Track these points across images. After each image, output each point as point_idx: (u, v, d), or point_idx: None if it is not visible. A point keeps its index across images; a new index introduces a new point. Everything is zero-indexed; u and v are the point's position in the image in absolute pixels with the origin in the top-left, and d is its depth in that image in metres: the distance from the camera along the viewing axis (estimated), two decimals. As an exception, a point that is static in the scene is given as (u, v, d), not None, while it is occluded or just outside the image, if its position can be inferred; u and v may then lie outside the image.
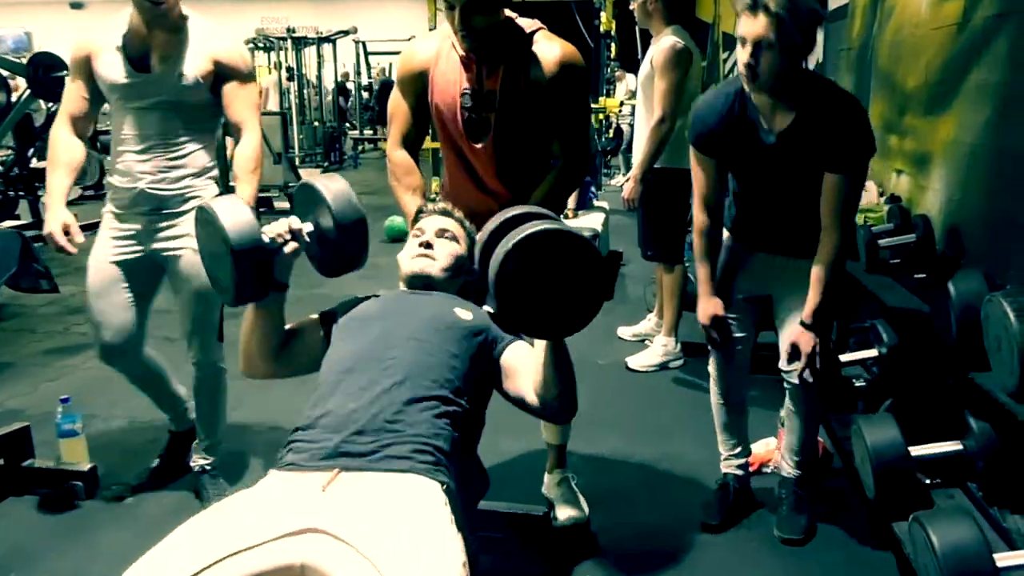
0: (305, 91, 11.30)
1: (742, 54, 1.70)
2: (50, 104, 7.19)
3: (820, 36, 1.99)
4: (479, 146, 1.85)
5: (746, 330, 2.16)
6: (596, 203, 5.33)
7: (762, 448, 2.52)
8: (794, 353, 1.93)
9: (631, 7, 3.43)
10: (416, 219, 1.76)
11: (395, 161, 1.98)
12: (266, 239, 1.43)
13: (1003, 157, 2.10)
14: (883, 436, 1.77)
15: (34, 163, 6.72)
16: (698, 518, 2.22)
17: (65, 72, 6.34)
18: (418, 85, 1.90)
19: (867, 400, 2.17)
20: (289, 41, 10.74)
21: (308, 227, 1.49)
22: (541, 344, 1.41)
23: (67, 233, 2.09)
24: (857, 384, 2.40)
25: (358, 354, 1.45)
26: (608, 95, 8.51)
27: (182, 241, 2.14)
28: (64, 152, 2.12)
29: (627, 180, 3.34)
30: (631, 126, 6.56)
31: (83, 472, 2.37)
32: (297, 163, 10.47)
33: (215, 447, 2.41)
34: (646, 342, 3.69)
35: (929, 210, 2.55)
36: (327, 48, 11.61)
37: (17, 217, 6.36)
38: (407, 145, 1.98)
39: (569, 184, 1.97)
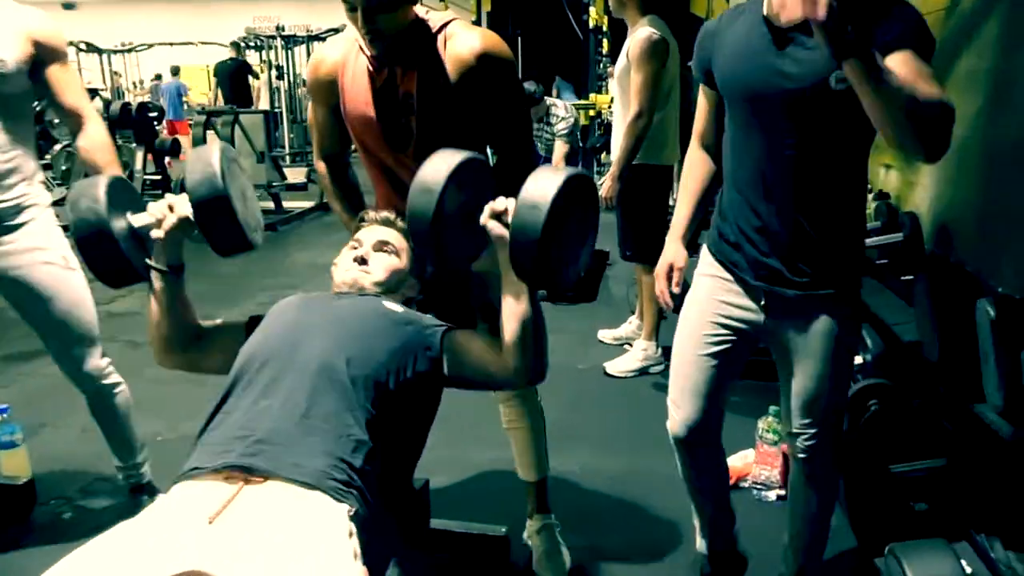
0: (297, 90, 11.17)
1: None
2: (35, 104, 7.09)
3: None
4: (402, 155, 1.69)
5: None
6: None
7: (739, 461, 2.38)
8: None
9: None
10: (357, 227, 1.61)
11: (319, 172, 1.88)
12: (137, 223, 1.37)
13: (995, 149, 1.96)
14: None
15: None
16: (664, 542, 2.08)
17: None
18: (328, 94, 1.73)
19: (853, 409, 2.03)
20: (279, 40, 10.61)
21: (183, 210, 1.36)
22: (519, 300, 1.32)
23: None
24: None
25: (268, 344, 1.33)
26: (600, 91, 8.39)
27: (27, 256, 1.89)
28: None
29: (605, 178, 3.21)
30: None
31: (18, 486, 2.24)
32: (287, 162, 10.37)
33: (139, 468, 2.21)
34: (625, 346, 3.56)
35: (918, 207, 2.41)
36: (318, 46, 11.49)
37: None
38: (328, 157, 1.85)
39: (509, 185, 1.80)
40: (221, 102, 9.70)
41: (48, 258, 1.91)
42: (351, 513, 1.10)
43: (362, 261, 1.49)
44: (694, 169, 1.69)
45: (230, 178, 1.35)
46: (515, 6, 10.68)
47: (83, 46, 11.39)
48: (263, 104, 10.31)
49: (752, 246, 1.49)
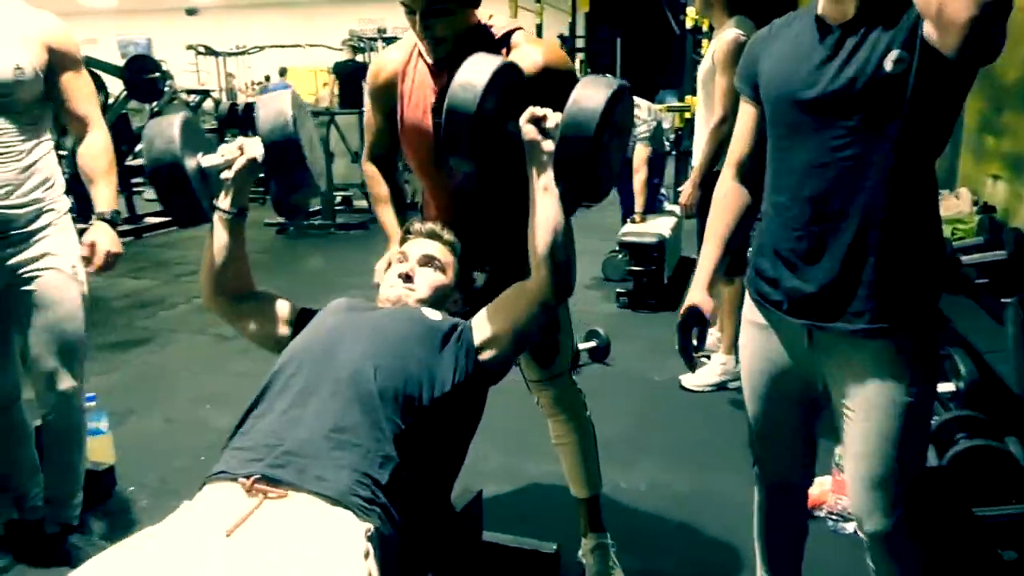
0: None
1: None
2: (152, 105, 7.55)
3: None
4: (453, 164, 1.67)
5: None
6: (667, 207, 5.06)
7: (815, 488, 2.23)
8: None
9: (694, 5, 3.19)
10: (403, 240, 1.60)
11: (366, 174, 1.87)
12: (206, 163, 1.41)
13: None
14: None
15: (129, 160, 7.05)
16: (725, 570, 1.98)
17: (158, 74, 6.65)
18: (386, 100, 1.72)
19: (937, 444, 1.88)
20: (380, 41, 10.87)
21: (253, 152, 1.41)
22: (552, 207, 1.34)
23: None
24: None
25: (306, 349, 1.33)
26: (696, 93, 8.16)
27: (43, 262, 1.88)
28: None
29: (686, 184, 3.10)
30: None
31: (99, 472, 2.36)
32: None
33: (74, 508, 2.05)
34: (702, 359, 3.43)
35: (1027, 222, 2.21)
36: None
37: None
38: (377, 158, 1.84)
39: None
40: (336, 101, 10.01)
41: (58, 264, 1.91)
42: (369, 533, 1.08)
43: (407, 278, 1.48)
44: (727, 202, 1.48)
45: (300, 124, 1.39)
46: (613, 7, 10.58)
47: (202, 49, 12.01)
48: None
49: (794, 276, 1.31)
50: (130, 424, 2.90)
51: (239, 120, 8.25)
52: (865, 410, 1.27)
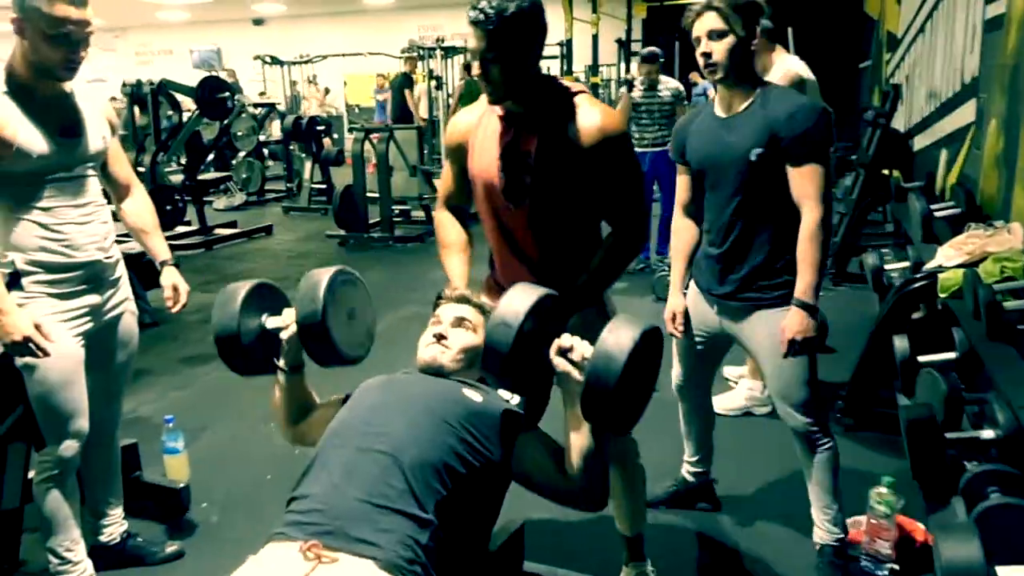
0: (451, 100, 11.58)
1: (700, 49, 1.97)
2: (221, 121, 7.90)
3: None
4: (517, 209, 1.80)
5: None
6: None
7: (851, 528, 2.29)
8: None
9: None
10: (435, 305, 1.73)
11: (436, 220, 2.02)
12: (269, 325, 1.61)
13: None
14: (962, 554, 1.53)
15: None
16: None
17: (228, 93, 6.96)
18: (459, 155, 1.89)
19: (969, 493, 1.90)
20: (439, 51, 11.06)
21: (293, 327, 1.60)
22: (582, 432, 1.41)
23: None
24: (968, 468, 2.10)
25: (350, 423, 1.46)
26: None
27: (122, 306, 2.11)
28: None
29: None
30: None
31: (176, 490, 2.56)
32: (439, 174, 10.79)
33: (122, 517, 2.30)
34: (730, 383, 3.48)
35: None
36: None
37: (188, 223, 7.00)
38: (450, 206, 1.99)
39: (624, 256, 1.85)
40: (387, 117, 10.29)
41: (131, 307, 2.16)
42: None
43: (441, 337, 1.61)
44: (682, 234, 2.26)
45: (336, 302, 1.56)
46: (671, 13, 10.55)
47: (268, 59, 12.43)
48: (422, 112, 10.79)
49: (712, 274, 2.13)
50: (203, 440, 3.11)
51: (303, 134, 8.55)
52: (755, 350, 2.15)
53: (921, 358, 2.71)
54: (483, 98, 1.84)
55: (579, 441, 1.42)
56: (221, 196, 8.98)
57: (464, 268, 1.92)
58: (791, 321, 1.94)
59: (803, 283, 1.94)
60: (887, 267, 4.30)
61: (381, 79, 13.26)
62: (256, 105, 9.74)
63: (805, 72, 3.04)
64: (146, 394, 3.60)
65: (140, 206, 2.19)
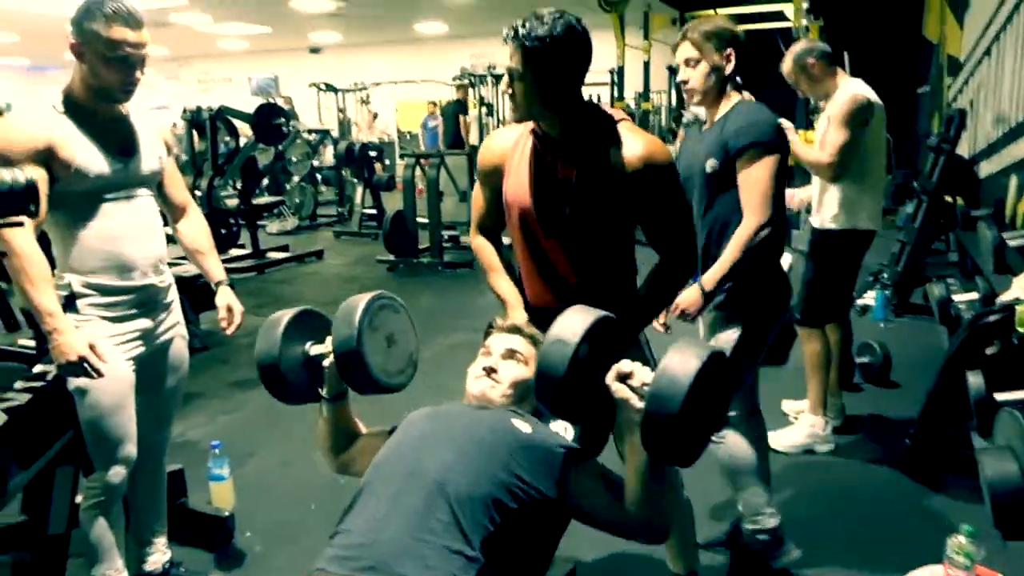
0: (502, 126, 11.65)
1: (679, 76, 2.15)
2: (276, 147, 8.06)
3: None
4: (553, 238, 1.74)
5: None
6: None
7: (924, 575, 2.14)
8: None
9: (788, 81, 3.14)
10: (486, 334, 1.68)
11: (474, 246, 1.97)
12: (312, 352, 1.59)
13: None
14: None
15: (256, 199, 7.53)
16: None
17: (283, 120, 7.09)
18: (494, 177, 1.83)
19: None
20: (490, 78, 11.14)
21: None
22: (642, 461, 1.32)
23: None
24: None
25: (394, 456, 1.41)
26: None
27: (174, 330, 2.11)
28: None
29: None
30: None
31: (221, 518, 2.53)
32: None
33: (166, 545, 2.27)
34: (792, 418, 3.34)
35: None
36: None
37: (242, 246, 7.11)
38: (484, 230, 1.95)
39: (674, 284, 1.81)
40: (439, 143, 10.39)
41: (183, 332, 2.16)
42: None
43: (491, 371, 1.55)
44: None
45: (373, 329, 1.52)
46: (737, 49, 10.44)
47: (323, 86, 12.69)
48: (473, 138, 10.87)
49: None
50: (250, 466, 3.10)
51: (355, 160, 8.66)
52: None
53: (998, 396, 2.55)
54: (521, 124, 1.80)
55: (638, 472, 1.33)
56: (274, 220, 9.14)
57: (516, 289, 1.87)
58: (686, 294, 2.04)
59: (712, 272, 2.05)
60: (955, 298, 4.12)
61: (432, 106, 13.42)
62: (310, 131, 9.92)
63: (872, 96, 2.94)
64: (195, 418, 3.62)
65: (196, 227, 2.20)
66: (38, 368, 2.05)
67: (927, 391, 2.95)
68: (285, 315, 1.60)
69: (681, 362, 1.21)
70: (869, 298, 4.99)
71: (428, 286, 6.40)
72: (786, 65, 3.11)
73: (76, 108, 1.85)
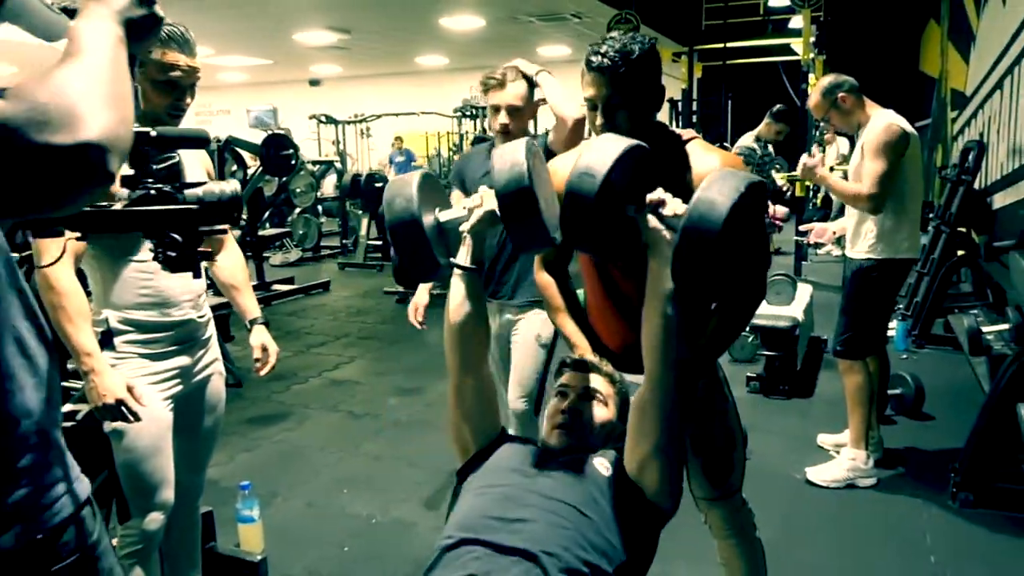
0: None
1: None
2: (281, 178, 8.01)
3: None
4: (626, 264, 1.67)
5: None
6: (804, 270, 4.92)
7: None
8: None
9: (815, 117, 3.14)
10: (559, 372, 1.59)
11: (540, 283, 1.88)
12: (444, 218, 1.42)
13: None
14: None
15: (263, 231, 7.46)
16: None
17: (292, 151, 7.05)
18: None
19: None
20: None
21: (491, 204, 1.36)
22: (666, 303, 1.27)
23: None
24: None
25: (484, 514, 1.31)
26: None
27: (212, 367, 2.01)
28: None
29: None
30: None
31: (252, 563, 2.43)
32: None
33: None
34: (833, 452, 3.26)
35: None
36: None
37: (246, 279, 7.02)
38: (549, 266, 1.86)
39: (746, 311, 1.72)
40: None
41: (220, 369, 2.06)
42: None
43: (572, 414, 1.46)
44: None
45: (535, 175, 1.34)
46: (727, 73, 10.57)
47: (323, 118, 12.70)
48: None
49: None
50: (275, 507, 2.99)
51: (360, 192, 8.62)
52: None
53: (1051, 431, 2.50)
54: (582, 145, 1.75)
55: (658, 309, 1.27)
56: (277, 252, 9.06)
57: (579, 331, 1.79)
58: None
59: None
60: (984, 329, 4.07)
61: (399, 141, 13.41)
62: (315, 163, 9.90)
63: (907, 125, 2.92)
64: (215, 456, 3.48)
65: (234, 261, 2.12)
66: (67, 407, 1.97)
67: (968, 424, 2.89)
68: (412, 175, 1.41)
69: (723, 184, 1.15)
70: (890, 329, 4.95)
71: (439, 318, 6.30)
72: (813, 100, 3.09)
73: None
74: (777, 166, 5.57)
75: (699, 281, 1.17)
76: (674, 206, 1.24)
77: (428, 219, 1.40)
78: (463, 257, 1.42)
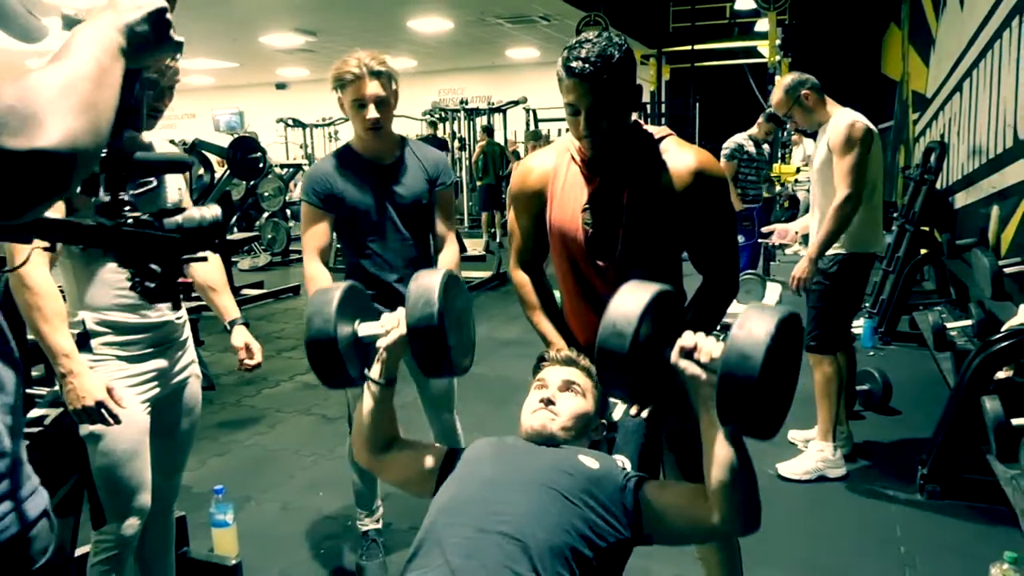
0: (470, 161, 11.67)
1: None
2: (249, 182, 7.91)
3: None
4: (603, 264, 1.68)
5: None
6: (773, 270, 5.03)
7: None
8: None
9: (779, 113, 3.19)
10: (537, 368, 1.60)
11: (516, 282, 1.87)
12: (363, 332, 1.46)
13: None
14: None
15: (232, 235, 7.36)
16: None
17: (260, 154, 6.98)
18: (534, 204, 1.76)
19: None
20: (462, 112, 11.19)
21: (401, 329, 1.42)
22: (722, 441, 1.23)
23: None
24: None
25: (464, 502, 1.32)
26: (783, 160, 8.08)
27: (188, 369, 1.98)
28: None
29: (801, 261, 3.05)
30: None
31: (228, 567, 2.39)
32: (467, 229, 10.79)
33: None
34: (800, 445, 3.32)
35: None
36: (498, 117, 11.98)
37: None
38: (525, 265, 1.85)
39: (720, 307, 1.73)
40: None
41: (197, 371, 2.03)
42: None
43: (549, 402, 1.47)
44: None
45: (449, 307, 1.39)
46: (695, 75, 10.71)
47: (290, 121, 12.60)
48: (445, 173, 10.89)
49: None
50: (249, 511, 2.95)
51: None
52: None
53: (1015, 421, 2.56)
54: (557, 143, 1.75)
55: (719, 450, 1.23)
56: (246, 257, 8.95)
57: (555, 328, 1.80)
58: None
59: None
60: (948, 325, 4.17)
61: None
62: (283, 166, 9.81)
63: (868, 122, 2.98)
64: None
65: (210, 263, 2.06)
66: (35, 412, 1.93)
67: (934, 417, 2.96)
68: (335, 289, 1.45)
69: (752, 330, 1.13)
70: (856, 327, 5.04)
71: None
72: (776, 97, 3.15)
73: None
74: (768, 177, 5.77)
75: (747, 416, 1.17)
76: (707, 350, 1.23)
77: (347, 330, 1.46)
78: (376, 372, 1.47)
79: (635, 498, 1.32)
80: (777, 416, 1.20)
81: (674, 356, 1.24)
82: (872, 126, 3.01)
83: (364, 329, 1.48)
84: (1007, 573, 1.99)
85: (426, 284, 1.39)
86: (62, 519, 1.93)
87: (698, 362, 1.22)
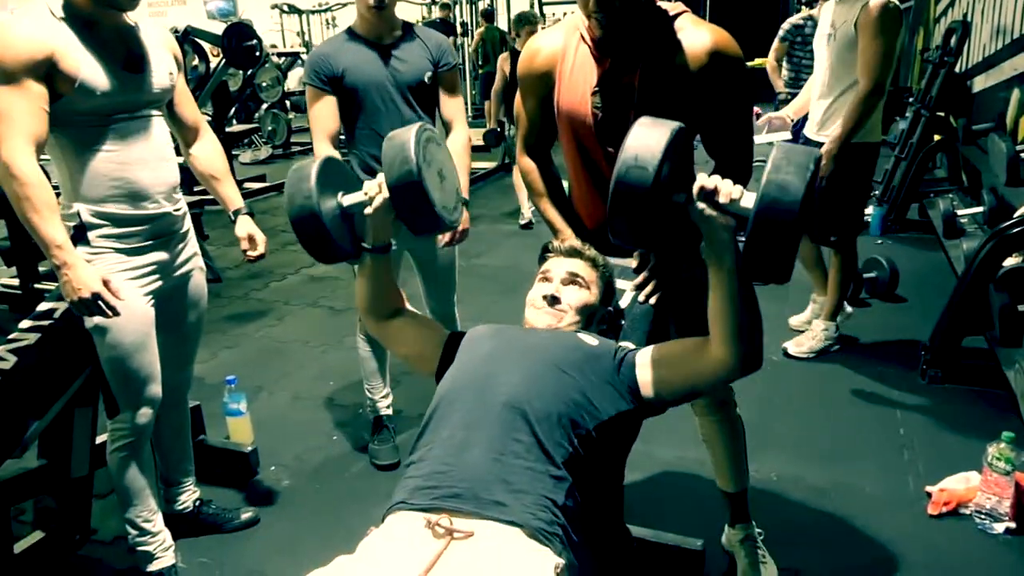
0: (468, 48, 11.29)
1: None
2: (246, 72, 7.68)
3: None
4: (613, 151, 1.59)
5: None
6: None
7: (960, 484, 2.17)
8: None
9: None
10: (542, 258, 1.58)
11: (523, 168, 1.82)
12: (347, 203, 1.46)
13: None
14: None
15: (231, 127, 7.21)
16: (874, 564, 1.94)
17: (256, 42, 6.73)
18: (541, 86, 1.68)
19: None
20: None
21: (385, 193, 1.41)
22: (732, 281, 1.21)
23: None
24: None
25: (462, 379, 1.34)
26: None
27: (192, 262, 1.97)
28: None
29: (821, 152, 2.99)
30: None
31: (243, 453, 2.47)
32: (471, 119, 10.55)
33: (195, 485, 2.22)
34: (805, 326, 3.42)
35: None
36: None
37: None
38: (532, 150, 1.79)
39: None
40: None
41: (201, 264, 2.02)
42: (559, 569, 1.09)
43: (553, 300, 1.46)
44: None
45: (425, 161, 1.37)
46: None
47: (285, 8, 12.13)
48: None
49: None
50: (261, 401, 3.02)
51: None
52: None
53: (1021, 307, 2.56)
54: (565, 22, 1.67)
55: (730, 288, 1.21)
56: (246, 150, 8.81)
57: (561, 217, 1.76)
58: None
59: None
60: (959, 213, 4.12)
61: None
62: (280, 55, 9.51)
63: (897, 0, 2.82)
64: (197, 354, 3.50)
65: (210, 150, 2.02)
66: (44, 306, 1.93)
67: (939, 306, 2.96)
68: (311, 163, 1.44)
69: (790, 171, 1.09)
70: (866, 214, 4.99)
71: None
72: None
73: (77, 15, 1.66)
74: None
75: (773, 263, 1.13)
76: (728, 191, 1.17)
77: (331, 204, 1.44)
78: (369, 239, 1.48)
79: (633, 363, 1.34)
80: (793, 258, 1.16)
81: (694, 194, 1.19)
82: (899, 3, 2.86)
83: (348, 200, 1.47)
84: (1003, 452, 2.03)
85: (399, 141, 1.36)
86: (80, 409, 1.99)
87: (716, 205, 1.18)
